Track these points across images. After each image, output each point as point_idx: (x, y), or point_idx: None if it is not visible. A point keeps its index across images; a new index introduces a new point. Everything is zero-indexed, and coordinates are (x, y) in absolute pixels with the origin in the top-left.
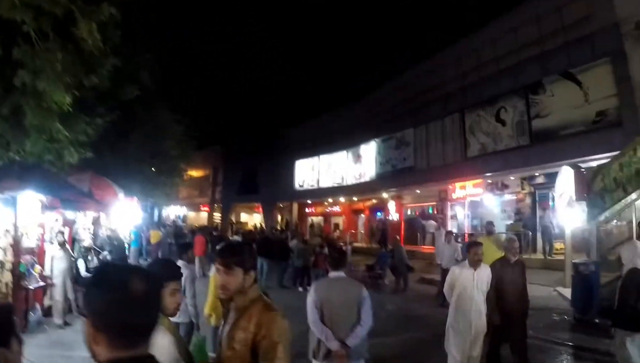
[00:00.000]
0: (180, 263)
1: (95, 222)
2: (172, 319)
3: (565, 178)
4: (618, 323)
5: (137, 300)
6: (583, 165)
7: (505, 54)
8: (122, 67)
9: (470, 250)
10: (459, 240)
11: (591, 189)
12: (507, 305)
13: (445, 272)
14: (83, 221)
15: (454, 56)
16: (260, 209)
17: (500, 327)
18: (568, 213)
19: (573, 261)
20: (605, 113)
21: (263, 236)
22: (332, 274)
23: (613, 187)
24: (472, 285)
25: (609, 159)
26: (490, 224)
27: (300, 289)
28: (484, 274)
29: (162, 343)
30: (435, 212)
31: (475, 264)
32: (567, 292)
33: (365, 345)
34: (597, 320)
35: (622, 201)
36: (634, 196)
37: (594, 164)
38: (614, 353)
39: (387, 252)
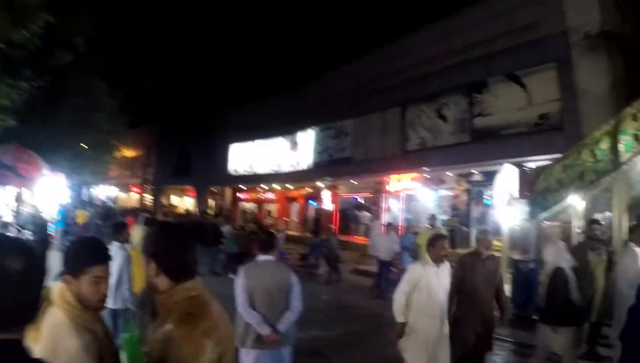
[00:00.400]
0: (114, 245)
1: (18, 198)
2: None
3: (507, 176)
4: (545, 319)
5: (10, 278)
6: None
7: (452, 52)
8: (56, 27)
9: (436, 243)
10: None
11: (533, 188)
12: (477, 308)
13: (383, 264)
14: (3, 196)
15: (399, 50)
16: (193, 193)
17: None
18: (507, 211)
19: (513, 258)
20: (547, 116)
21: (195, 220)
22: (262, 258)
23: (556, 188)
24: (437, 283)
25: (549, 161)
26: (433, 218)
27: (232, 276)
28: (446, 271)
29: (67, 346)
30: (371, 204)
31: (439, 260)
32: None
33: (294, 331)
34: (535, 317)
35: (562, 202)
36: (568, 201)
37: (533, 165)
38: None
39: (321, 241)
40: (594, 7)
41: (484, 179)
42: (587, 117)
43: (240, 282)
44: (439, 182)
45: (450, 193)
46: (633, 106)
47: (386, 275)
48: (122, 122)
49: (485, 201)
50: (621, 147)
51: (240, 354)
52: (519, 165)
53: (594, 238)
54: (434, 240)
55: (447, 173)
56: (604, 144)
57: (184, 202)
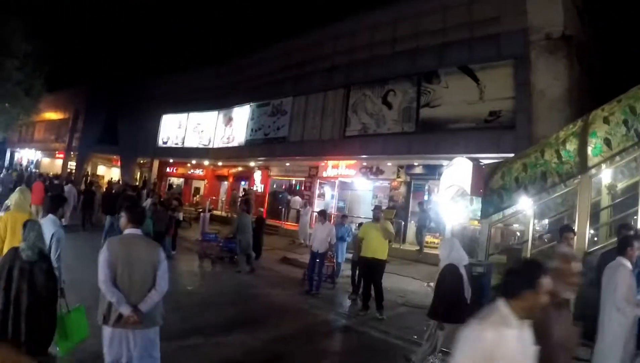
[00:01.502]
0: (49, 218)
1: None
2: None
3: (458, 170)
4: (434, 316)
5: None
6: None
7: (404, 37)
8: None
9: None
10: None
11: (488, 186)
12: None
13: (316, 256)
14: None
15: (349, 30)
16: (119, 162)
17: None
18: (452, 208)
19: (470, 260)
20: (498, 113)
21: (107, 191)
22: (129, 231)
23: (513, 187)
24: None
25: (497, 160)
26: (377, 209)
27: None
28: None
29: None
30: (304, 188)
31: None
32: None
33: (160, 310)
34: None
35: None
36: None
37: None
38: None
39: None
40: (557, 9)
41: (426, 173)
42: (540, 118)
43: (103, 256)
44: (377, 171)
45: (387, 184)
46: (604, 108)
47: (319, 269)
48: (38, 74)
49: (426, 196)
50: (589, 150)
51: (103, 332)
52: (475, 160)
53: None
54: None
55: (387, 162)
56: (571, 146)
57: (111, 172)
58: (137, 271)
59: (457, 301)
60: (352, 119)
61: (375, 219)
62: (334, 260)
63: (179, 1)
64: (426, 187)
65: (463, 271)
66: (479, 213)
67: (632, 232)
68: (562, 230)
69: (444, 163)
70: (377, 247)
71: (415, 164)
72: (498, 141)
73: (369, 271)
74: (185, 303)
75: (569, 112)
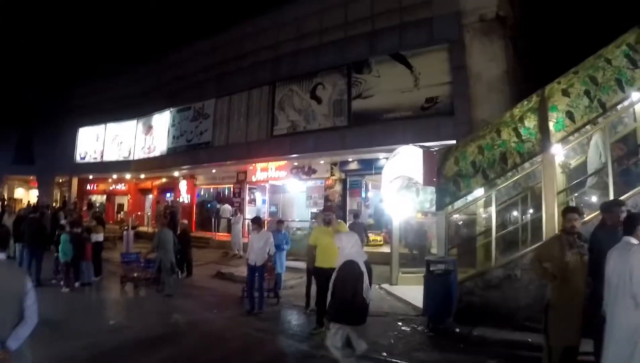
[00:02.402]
0: None
1: None
2: None
3: (404, 160)
4: (333, 317)
5: None
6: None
7: (331, 27)
8: None
9: None
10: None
11: (442, 173)
12: None
13: (255, 270)
14: None
15: (270, 24)
16: (36, 183)
17: None
18: (397, 201)
19: (426, 258)
20: (435, 100)
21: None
22: None
23: (471, 172)
24: None
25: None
26: (328, 210)
27: (66, 289)
28: None
29: None
30: (233, 195)
31: None
32: (396, 290)
33: (27, 347)
34: (457, 329)
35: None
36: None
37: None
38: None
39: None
40: None
41: (362, 168)
42: (479, 101)
43: None
44: (309, 171)
45: (321, 183)
46: (560, 81)
47: (259, 284)
48: None
49: (363, 192)
50: (551, 125)
51: None
52: (425, 147)
53: (571, 231)
54: None
55: (320, 160)
56: (530, 122)
57: (30, 195)
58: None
59: (352, 300)
60: (280, 117)
61: (326, 222)
62: (274, 272)
63: (89, 2)
64: (363, 183)
65: (364, 268)
66: (427, 205)
67: (628, 209)
68: (566, 212)
69: (381, 155)
70: (333, 254)
71: (350, 159)
72: (437, 128)
73: (326, 282)
74: (108, 345)
75: (508, 94)
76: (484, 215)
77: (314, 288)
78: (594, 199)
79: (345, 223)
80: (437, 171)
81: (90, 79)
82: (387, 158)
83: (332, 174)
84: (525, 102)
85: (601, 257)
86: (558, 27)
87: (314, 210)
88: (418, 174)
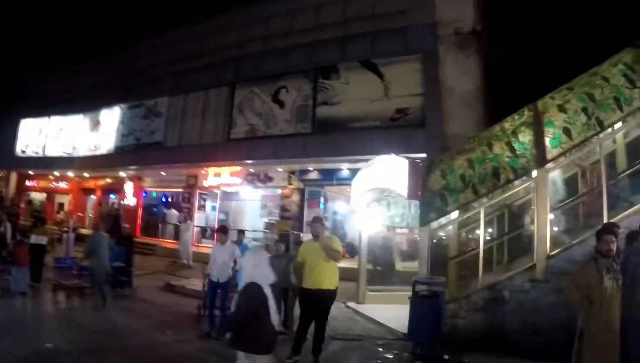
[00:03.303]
0: None
1: None
2: None
3: (383, 170)
4: (234, 342)
5: None
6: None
7: (301, 30)
8: None
9: None
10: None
11: (426, 186)
12: None
13: (215, 286)
14: None
15: (233, 22)
16: None
17: None
18: (367, 215)
19: (414, 278)
20: (405, 111)
21: None
22: None
23: (459, 186)
24: None
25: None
26: (317, 221)
27: None
28: None
29: None
30: (182, 200)
31: None
32: (364, 310)
33: None
34: (445, 356)
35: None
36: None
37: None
38: None
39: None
40: (467, 4)
41: (322, 178)
42: (452, 115)
43: None
44: (265, 178)
45: (277, 192)
46: (554, 97)
47: (222, 303)
48: None
49: (322, 204)
50: (547, 141)
51: None
52: (410, 158)
53: (607, 255)
54: None
55: (278, 168)
56: (524, 137)
57: None
58: None
59: (255, 326)
60: (238, 120)
61: (315, 236)
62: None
63: None
64: (322, 194)
65: (268, 291)
66: (397, 219)
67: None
68: (602, 233)
69: (344, 166)
70: (321, 273)
71: (310, 169)
72: (408, 139)
73: (313, 307)
74: None
75: (482, 110)
76: (463, 233)
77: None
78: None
79: (303, 232)
80: (423, 184)
81: (37, 67)
82: (350, 169)
83: (289, 183)
84: (517, 116)
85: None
86: (531, 44)
87: (268, 219)
88: (401, 187)
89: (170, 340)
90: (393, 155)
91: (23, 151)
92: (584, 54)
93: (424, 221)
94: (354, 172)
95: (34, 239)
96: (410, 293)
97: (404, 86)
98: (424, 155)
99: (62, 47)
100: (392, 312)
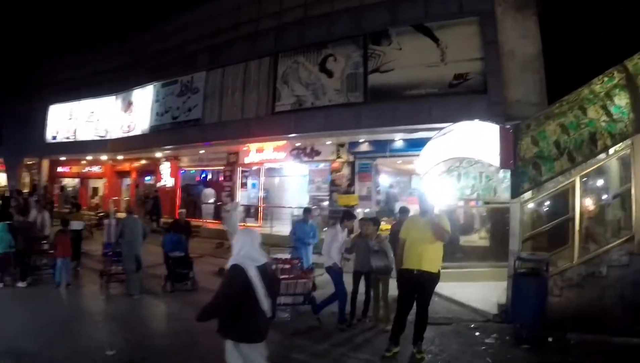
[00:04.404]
0: None
1: None
2: None
3: (464, 138)
4: (224, 333)
5: None
6: (434, 133)
7: None
8: None
9: None
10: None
11: (517, 155)
12: None
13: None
14: None
15: None
16: (3, 166)
17: None
18: (439, 187)
19: (516, 255)
20: (465, 77)
21: None
22: None
23: (554, 154)
24: None
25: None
26: (425, 198)
27: (22, 284)
28: None
29: None
30: (223, 179)
31: None
32: (439, 289)
33: None
34: (550, 338)
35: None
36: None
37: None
38: None
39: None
40: None
41: (374, 149)
42: (512, 80)
43: None
44: (312, 153)
45: (326, 166)
46: None
47: (341, 289)
48: None
49: (374, 176)
50: None
51: None
52: (502, 125)
53: None
54: None
55: (326, 141)
56: (620, 100)
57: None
58: None
59: (242, 312)
60: (283, 92)
61: (424, 212)
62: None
63: None
64: (372, 166)
65: (254, 273)
66: (467, 191)
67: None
68: None
69: (397, 136)
70: (424, 254)
71: (361, 141)
72: (469, 107)
73: (412, 290)
74: None
75: (543, 74)
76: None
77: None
78: None
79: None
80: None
81: (64, 51)
82: (404, 139)
83: (338, 157)
84: (606, 79)
85: None
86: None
87: (316, 194)
88: (488, 155)
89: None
90: (477, 121)
91: (54, 138)
92: None
93: (517, 192)
94: (409, 142)
95: (74, 225)
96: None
97: (461, 50)
98: (486, 122)
99: (89, 28)
100: (468, 290)
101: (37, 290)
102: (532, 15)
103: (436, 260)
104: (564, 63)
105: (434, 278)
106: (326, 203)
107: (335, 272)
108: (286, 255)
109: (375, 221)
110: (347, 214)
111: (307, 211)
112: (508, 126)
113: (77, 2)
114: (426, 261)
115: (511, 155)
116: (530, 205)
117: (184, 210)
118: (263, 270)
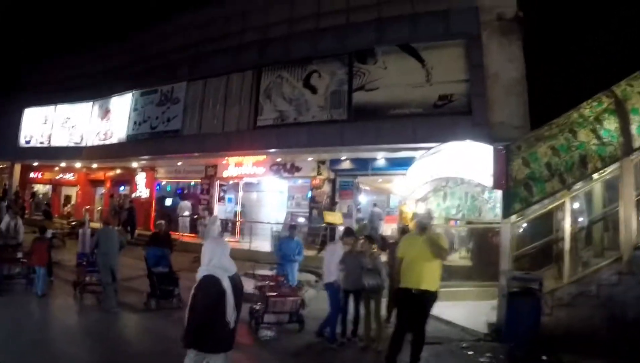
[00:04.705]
0: None
1: None
2: None
3: (455, 158)
4: (189, 342)
5: None
6: (419, 153)
7: (330, 12)
8: None
9: None
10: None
11: (509, 175)
12: None
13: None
14: None
15: (263, 2)
16: None
17: None
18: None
19: (508, 275)
20: (449, 98)
21: None
22: None
23: (546, 175)
24: None
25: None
26: (424, 215)
27: None
28: None
29: None
30: (200, 192)
31: None
32: None
33: None
34: (544, 357)
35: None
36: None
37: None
38: None
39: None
40: None
41: (355, 167)
42: (497, 103)
43: None
44: (292, 168)
45: (305, 182)
46: (633, 84)
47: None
48: None
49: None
50: (633, 128)
51: None
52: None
53: None
54: None
55: (308, 157)
56: (609, 124)
57: None
58: None
59: (211, 323)
60: (266, 106)
61: (421, 229)
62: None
63: None
64: (353, 184)
65: (227, 283)
66: (452, 211)
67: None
68: None
69: (379, 155)
70: (423, 272)
71: (343, 158)
72: (453, 127)
73: (410, 309)
74: None
75: (527, 97)
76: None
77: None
78: None
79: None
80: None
81: (42, 54)
82: (386, 158)
83: (319, 173)
84: (595, 103)
85: None
86: (575, 31)
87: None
88: (480, 175)
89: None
90: (468, 141)
91: (27, 142)
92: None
93: (508, 212)
94: (391, 161)
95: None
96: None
97: (446, 71)
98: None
99: (67, 33)
100: (455, 310)
101: (8, 300)
102: (517, 40)
103: (435, 278)
104: (546, 87)
105: (433, 296)
106: (302, 219)
107: (334, 289)
108: (269, 272)
109: (370, 239)
110: (347, 232)
111: (292, 227)
112: (501, 147)
113: (57, 4)
114: (425, 280)
115: (504, 175)
116: (523, 225)
117: (162, 221)
118: (233, 280)
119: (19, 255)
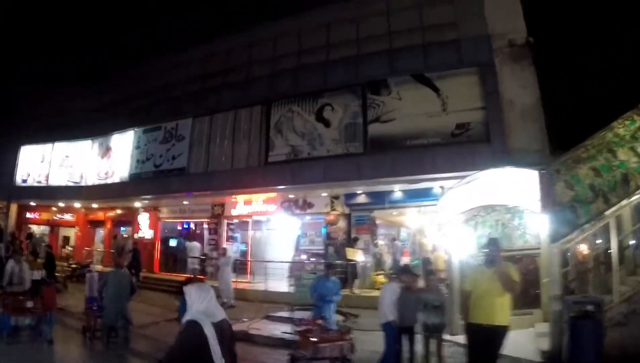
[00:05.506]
0: None
1: None
2: None
3: (495, 185)
4: None
5: None
6: (438, 183)
7: (340, 43)
8: None
9: None
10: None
11: (555, 199)
12: None
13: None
14: None
15: (269, 34)
16: None
17: None
18: (457, 238)
19: (568, 298)
20: (467, 126)
21: None
22: None
23: (590, 197)
24: None
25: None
26: (493, 245)
27: None
28: None
29: None
30: (209, 232)
31: None
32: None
33: None
34: None
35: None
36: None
37: (450, 183)
38: None
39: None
40: (517, 14)
41: (371, 201)
42: (514, 129)
43: None
44: (304, 205)
45: (320, 219)
46: None
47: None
48: None
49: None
50: None
51: None
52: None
53: None
54: None
55: (322, 193)
56: None
57: None
58: None
59: None
60: (277, 141)
61: (490, 262)
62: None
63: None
64: (370, 219)
65: (209, 330)
66: (483, 240)
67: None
68: None
69: (396, 187)
70: (494, 307)
71: (358, 192)
72: (472, 156)
73: (482, 344)
74: None
75: (543, 122)
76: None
77: None
78: None
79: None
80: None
81: (37, 89)
82: (403, 190)
83: (332, 209)
84: (628, 122)
85: None
86: (587, 53)
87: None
88: (528, 201)
89: None
90: (508, 168)
91: (24, 181)
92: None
93: (556, 237)
94: (407, 193)
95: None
96: None
97: (462, 99)
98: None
99: (65, 68)
100: None
101: (18, 348)
102: (529, 65)
103: (506, 312)
104: (563, 110)
105: (505, 331)
106: (313, 259)
107: (392, 329)
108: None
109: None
110: (405, 270)
111: (329, 266)
112: (545, 171)
113: (54, 37)
114: (497, 315)
115: (551, 199)
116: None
117: (196, 266)
118: (219, 326)
119: (29, 304)
